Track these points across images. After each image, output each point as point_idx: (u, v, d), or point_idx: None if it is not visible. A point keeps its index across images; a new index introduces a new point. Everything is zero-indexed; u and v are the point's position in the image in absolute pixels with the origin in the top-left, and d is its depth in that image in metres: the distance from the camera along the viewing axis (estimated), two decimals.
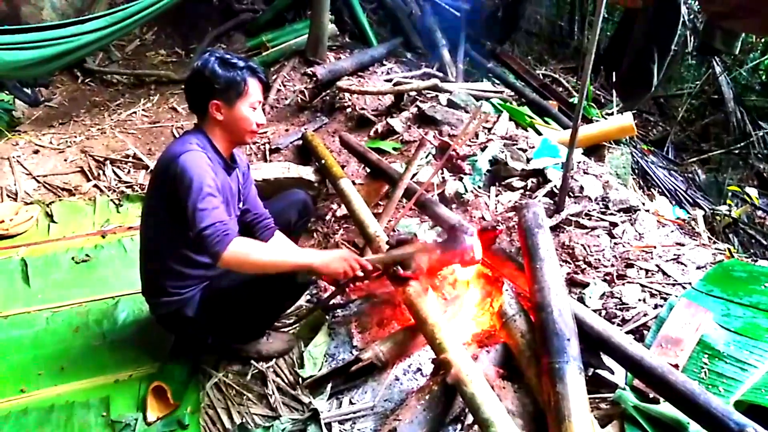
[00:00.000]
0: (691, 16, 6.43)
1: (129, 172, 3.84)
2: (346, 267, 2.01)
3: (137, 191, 3.62)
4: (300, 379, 2.32)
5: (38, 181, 3.64)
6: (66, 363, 2.42)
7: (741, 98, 6.46)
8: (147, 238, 2.21)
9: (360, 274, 2.06)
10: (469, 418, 1.98)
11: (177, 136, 4.23)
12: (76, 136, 4.18)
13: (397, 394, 2.23)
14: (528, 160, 3.32)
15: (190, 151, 1.94)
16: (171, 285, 2.13)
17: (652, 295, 2.37)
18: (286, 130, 4.34)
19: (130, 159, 3.93)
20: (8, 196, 3.49)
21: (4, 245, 3.08)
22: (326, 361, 2.42)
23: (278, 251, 2.08)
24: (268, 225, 2.37)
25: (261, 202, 2.38)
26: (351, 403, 2.22)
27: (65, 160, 3.87)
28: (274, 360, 2.41)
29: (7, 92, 4.41)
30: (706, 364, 2.00)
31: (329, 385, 2.26)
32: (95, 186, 3.66)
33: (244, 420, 2.17)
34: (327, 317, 2.61)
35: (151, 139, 4.26)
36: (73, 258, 3.01)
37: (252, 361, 2.39)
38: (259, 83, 2.06)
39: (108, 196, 3.55)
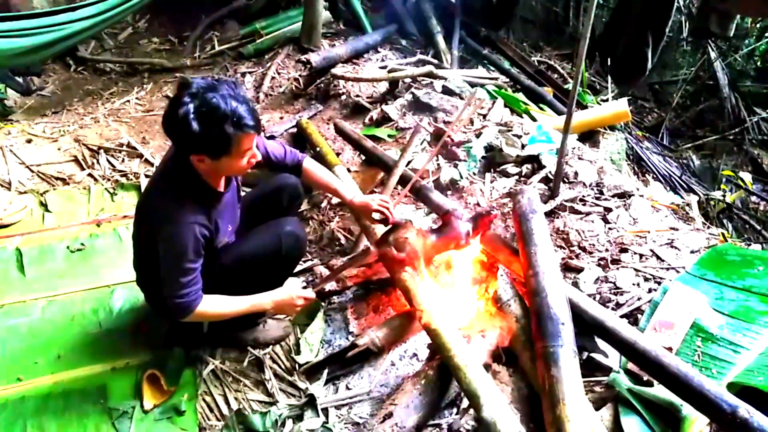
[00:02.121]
0: (686, 1, 6.41)
1: (123, 160, 3.82)
2: (292, 303, 2.11)
3: (131, 180, 3.61)
4: (296, 365, 2.34)
5: (32, 171, 3.62)
6: (62, 351, 2.42)
7: (736, 84, 6.45)
8: (137, 248, 2.18)
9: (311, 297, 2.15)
10: (465, 402, 2.00)
11: None
12: (69, 125, 4.15)
13: (393, 380, 2.25)
14: (523, 147, 3.32)
15: (175, 222, 1.83)
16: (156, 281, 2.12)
17: (646, 280, 2.39)
18: (281, 118, 4.32)
19: (124, 148, 3.91)
20: (2, 186, 3.46)
21: None
22: (322, 347, 2.43)
23: (234, 302, 2.04)
24: (295, 161, 2.32)
25: (277, 146, 2.29)
26: (347, 388, 2.24)
27: (59, 149, 3.84)
28: (270, 347, 2.42)
29: None
30: (699, 346, 2.03)
31: (326, 371, 2.27)
32: (89, 175, 3.64)
33: (241, 406, 2.19)
34: (323, 304, 2.61)
35: (144, 127, 4.23)
36: (68, 247, 3.00)
37: (249, 348, 2.40)
38: (249, 135, 1.77)
39: (102, 185, 3.53)
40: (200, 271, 1.94)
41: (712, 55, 6.33)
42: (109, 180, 3.60)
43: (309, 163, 2.37)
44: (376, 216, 2.30)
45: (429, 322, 1.96)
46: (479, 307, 2.33)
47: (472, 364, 1.79)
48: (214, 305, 2.00)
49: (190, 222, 1.84)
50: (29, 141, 3.89)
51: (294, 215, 2.54)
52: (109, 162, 3.78)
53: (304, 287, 2.17)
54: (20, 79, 4.71)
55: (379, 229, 2.49)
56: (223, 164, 1.81)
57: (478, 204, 3.01)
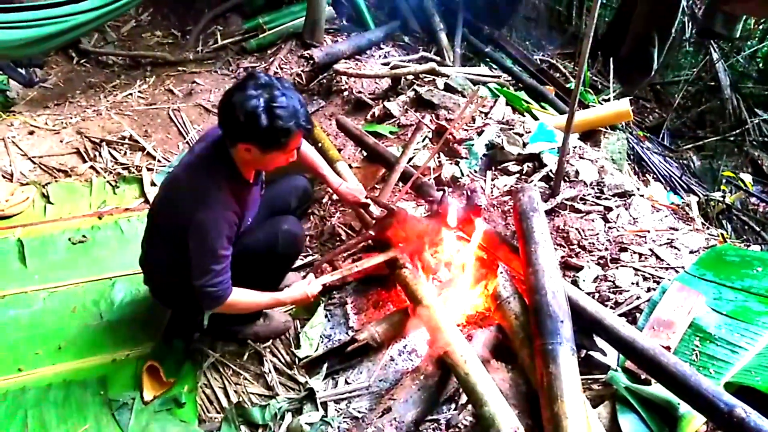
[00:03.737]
0: (690, 2, 6.40)
1: (125, 153, 3.82)
2: (306, 298, 2.17)
3: (134, 173, 3.61)
4: (296, 359, 2.35)
5: (34, 162, 3.62)
6: (63, 342, 2.44)
7: (738, 85, 6.45)
8: (155, 237, 2.18)
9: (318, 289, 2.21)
10: (463, 398, 2.01)
11: (174, 119, 4.23)
12: (71, 117, 4.15)
13: (392, 375, 2.26)
14: (524, 145, 3.32)
15: (211, 208, 1.86)
16: (170, 264, 2.12)
17: (645, 279, 2.40)
18: None
19: (127, 141, 3.91)
20: (4, 177, 3.47)
21: (1, 226, 3.08)
22: (322, 342, 2.45)
23: (260, 297, 2.10)
24: None
25: None
26: (346, 382, 2.26)
27: (61, 141, 3.85)
28: (270, 341, 2.43)
29: (1, 72, 4.37)
30: (697, 346, 2.04)
31: (325, 365, 2.29)
32: (91, 167, 3.64)
33: (240, 399, 2.20)
34: (323, 298, 2.63)
35: (147, 120, 4.23)
36: (69, 239, 3.01)
37: (249, 342, 2.41)
38: (302, 133, 1.86)
39: (104, 178, 3.54)
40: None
41: (715, 56, 6.32)
42: (111, 173, 3.61)
43: (304, 146, 2.41)
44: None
45: (423, 315, 1.98)
46: (479, 304, 2.35)
47: (471, 360, 1.81)
48: (244, 297, 2.03)
49: (225, 209, 1.88)
50: (31, 133, 3.89)
51: (301, 216, 2.57)
52: (111, 155, 3.78)
53: (304, 276, 2.21)
54: (23, 71, 4.70)
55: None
56: (269, 157, 1.87)
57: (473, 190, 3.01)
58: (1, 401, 2.18)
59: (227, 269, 1.94)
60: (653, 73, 5.54)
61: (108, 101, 4.49)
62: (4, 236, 3.01)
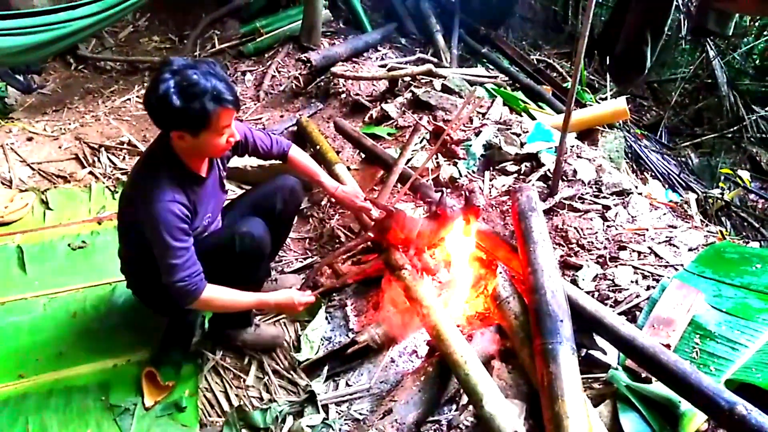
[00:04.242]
0: (684, 0, 6.42)
1: (124, 159, 3.83)
2: (293, 305, 2.15)
3: None
4: (297, 362, 2.35)
5: (33, 169, 3.63)
6: (64, 348, 2.43)
7: (734, 82, 6.46)
8: (126, 241, 2.18)
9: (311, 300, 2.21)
10: (464, 399, 2.01)
11: None
12: (70, 123, 4.16)
13: (392, 376, 2.26)
14: (522, 145, 3.33)
15: (153, 202, 1.82)
16: (139, 262, 2.10)
17: (645, 277, 2.40)
18: (281, 116, 4.34)
19: (125, 146, 3.92)
20: (3, 184, 3.47)
21: (0, 232, 3.08)
22: (323, 344, 2.45)
23: (240, 296, 2.05)
24: (281, 150, 2.36)
25: (263, 136, 2.31)
26: (347, 385, 2.26)
27: (60, 148, 3.85)
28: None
29: None
30: (697, 344, 2.04)
31: (326, 368, 2.29)
32: (90, 173, 3.65)
33: (241, 402, 2.20)
34: (323, 301, 2.63)
35: (145, 125, 4.24)
36: (69, 245, 3.01)
37: (239, 347, 2.41)
38: (227, 110, 1.79)
39: (103, 183, 3.54)
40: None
41: (711, 53, 6.33)
42: (110, 178, 3.62)
43: (295, 152, 2.39)
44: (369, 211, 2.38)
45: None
46: (478, 304, 2.35)
47: (471, 361, 1.81)
48: (220, 294, 1.98)
49: (168, 200, 1.83)
50: (30, 139, 3.90)
51: (289, 218, 2.54)
52: (110, 160, 3.79)
53: (305, 284, 2.19)
54: (21, 78, 4.71)
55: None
56: (203, 141, 1.82)
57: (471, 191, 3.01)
58: (2, 408, 2.17)
59: (192, 262, 1.89)
60: (647, 71, 5.54)
61: (106, 107, 4.50)
62: (3, 243, 3.01)
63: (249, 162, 3.43)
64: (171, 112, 1.71)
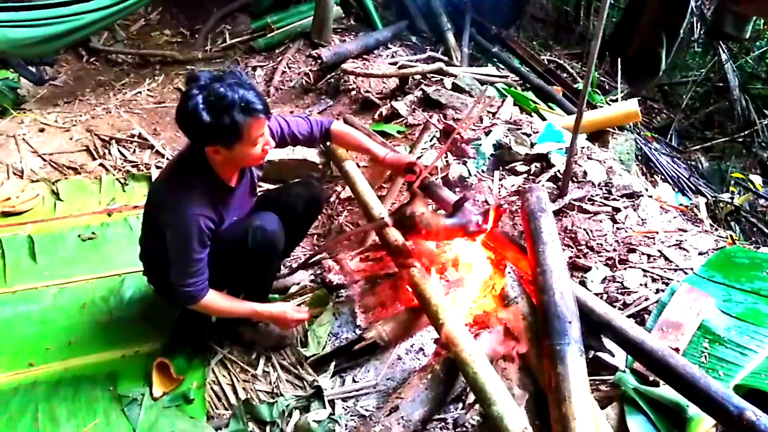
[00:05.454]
0: (698, 3, 6.38)
1: (134, 151, 3.85)
2: (286, 321, 2.24)
3: (142, 170, 3.63)
4: (304, 357, 2.36)
5: (44, 159, 3.65)
6: (73, 338, 2.45)
7: (746, 86, 6.43)
8: (147, 235, 2.22)
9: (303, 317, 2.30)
10: (471, 397, 2.01)
11: None
12: (81, 115, 4.18)
13: (399, 373, 2.26)
14: (532, 145, 3.32)
15: (181, 215, 1.86)
16: (156, 255, 2.12)
17: (654, 280, 2.39)
18: (291, 113, 4.34)
19: (136, 138, 3.94)
20: (14, 174, 3.50)
21: (11, 222, 3.11)
22: (330, 340, 2.45)
23: (236, 305, 2.14)
24: (323, 131, 2.34)
25: (302, 121, 2.29)
26: (354, 381, 2.26)
27: (71, 139, 3.87)
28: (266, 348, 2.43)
29: (12, 70, 4.41)
30: (706, 348, 2.03)
31: (333, 364, 2.30)
32: (101, 165, 3.67)
33: (248, 396, 2.21)
34: (331, 297, 2.63)
35: (156, 119, 4.26)
36: (79, 236, 3.03)
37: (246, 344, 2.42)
38: (259, 120, 1.79)
39: (113, 175, 3.56)
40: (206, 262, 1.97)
41: (723, 56, 6.30)
42: (120, 170, 3.63)
43: (337, 127, 2.38)
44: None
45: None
46: (487, 304, 2.35)
47: (479, 360, 1.81)
48: (218, 302, 2.07)
49: (196, 213, 1.86)
50: (42, 130, 3.92)
51: (307, 223, 2.54)
52: (121, 152, 3.81)
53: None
54: (33, 69, 4.74)
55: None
56: (237, 153, 1.83)
57: (486, 202, 3.02)
58: (12, 395, 2.19)
59: (202, 271, 1.96)
60: (660, 73, 5.52)
61: (117, 99, 4.52)
62: (14, 232, 3.03)
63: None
64: (202, 128, 1.72)
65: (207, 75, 1.76)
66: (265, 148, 1.91)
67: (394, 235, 2.37)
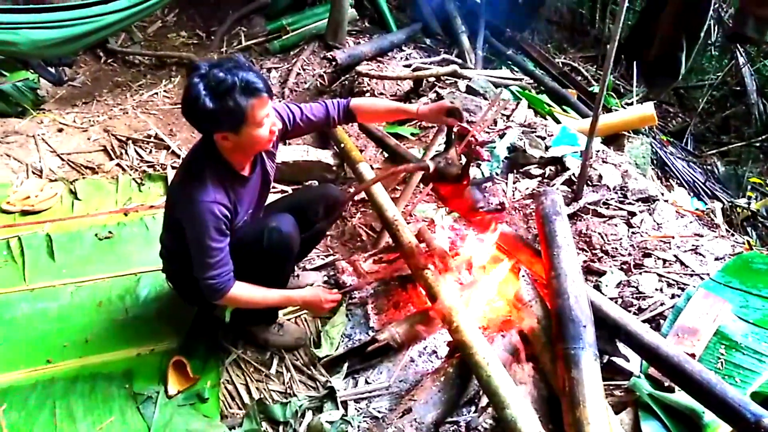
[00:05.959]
0: (716, 5, 6.32)
1: (151, 152, 3.89)
2: (320, 304, 2.24)
3: (158, 171, 3.67)
4: (317, 359, 2.37)
5: (62, 159, 3.70)
6: (90, 335, 2.48)
7: (764, 90, 6.35)
8: (168, 234, 2.22)
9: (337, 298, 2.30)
10: (484, 400, 2.01)
11: None
12: (99, 116, 4.23)
13: (412, 376, 2.27)
14: (546, 148, 3.31)
15: (195, 203, 1.86)
16: (176, 252, 2.14)
17: (670, 285, 2.38)
18: None
19: (152, 139, 3.98)
20: (33, 173, 3.55)
21: (30, 220, 3.15)
22: (343, 341, 2.46)
23: (267, 293, 2.10)
24: (342, 109, 2.26)
25: (315, 105, 2.24)
26: (367, 382, 2.27)
27: (88, 139, 3.92)
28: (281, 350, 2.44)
29: (32, 71, 4.47)
30: (722, 354, 2.01)
31: (345, 365, 2.30)
32: (118, 165, 3.71)
33: (262, 396, 2.23)
34: (344, 298, 2.64)
35: (172, 120, 4.30)
36: (96, 235, 3.06)
37: (261, 345, 2.44)
38: (261, 99, 1.79)
39: (130, 175, 3.60)
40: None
41: (740, 60, 6.23)
42: (136, 170, 3.67)
43: (357, 102, 2.29)
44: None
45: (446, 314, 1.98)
46: (501, 307, 2.34)
47: (493, 363, 1.81)
48: (247, 292, 2.04)
49: (209, 201, 1.87)
50: (60, 130, 3.98)
51: (324, 227, 2.54)
52: (137, 153, 3.85)
53: (325, 283, 2.19)
54: (53, 70, 4.81)
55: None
56: (245, 137, 1.83)
57: (502, 204, 3.01)
58: (31, 391, 2.22)
59: (224, 262, 1.94)
60: (680, 76, 5.47)
61: (134, 100, 4.57)
62: (33, 231, 3.07)
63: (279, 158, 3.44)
64: (207, 114, 1.73)
65: (206, 63, 1.77)
66: (272, 129, 1.90)
67: (408, 236, 2.38)
